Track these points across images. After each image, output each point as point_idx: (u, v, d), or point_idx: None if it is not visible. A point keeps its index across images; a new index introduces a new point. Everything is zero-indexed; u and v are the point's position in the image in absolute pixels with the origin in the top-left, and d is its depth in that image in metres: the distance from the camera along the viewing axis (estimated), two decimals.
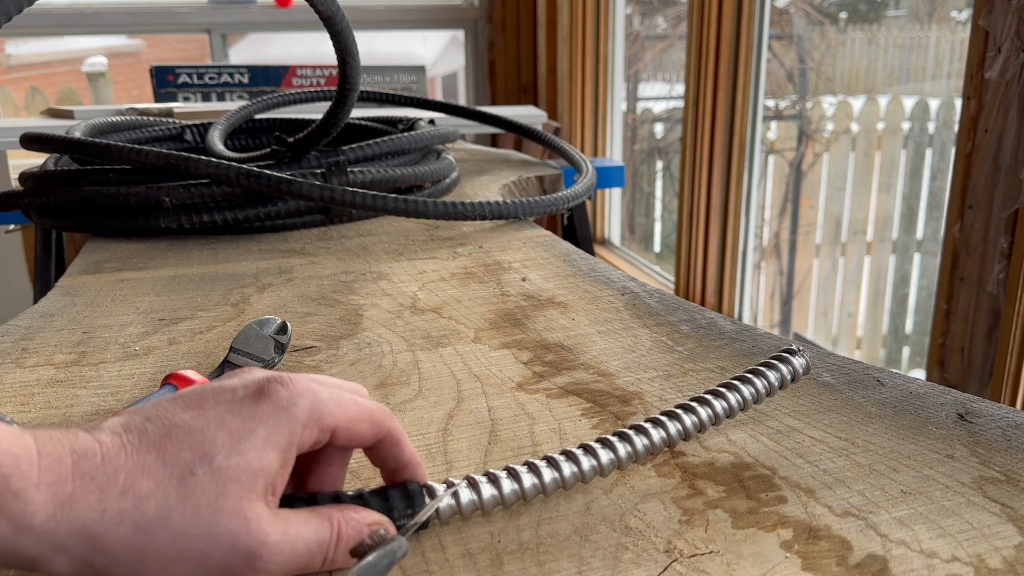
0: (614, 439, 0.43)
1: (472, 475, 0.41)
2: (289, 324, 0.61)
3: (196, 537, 0.33)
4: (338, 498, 0.38)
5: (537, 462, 0.42)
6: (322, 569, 0.36)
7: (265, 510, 0.34)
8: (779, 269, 2.99)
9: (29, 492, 0.31)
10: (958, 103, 1.41)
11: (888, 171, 2.78)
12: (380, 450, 0.39)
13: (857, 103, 2.82)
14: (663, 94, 3.49)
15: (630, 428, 0.44)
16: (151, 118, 1.36)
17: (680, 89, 3.00)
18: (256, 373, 0.38)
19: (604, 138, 2.77)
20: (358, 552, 0.35)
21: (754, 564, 0.37)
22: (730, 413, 0.47)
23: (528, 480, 0.41)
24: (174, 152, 0.94)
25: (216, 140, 1.17)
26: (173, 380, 0.54)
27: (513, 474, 0.41)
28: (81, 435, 0.34)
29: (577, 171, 1.20)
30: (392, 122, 1.31)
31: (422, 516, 0.38)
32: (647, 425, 0.45)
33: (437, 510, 0.39)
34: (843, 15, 3.06)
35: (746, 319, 2.08)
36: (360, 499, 0.39)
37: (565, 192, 1.03)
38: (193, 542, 0.33)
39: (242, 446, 0.34)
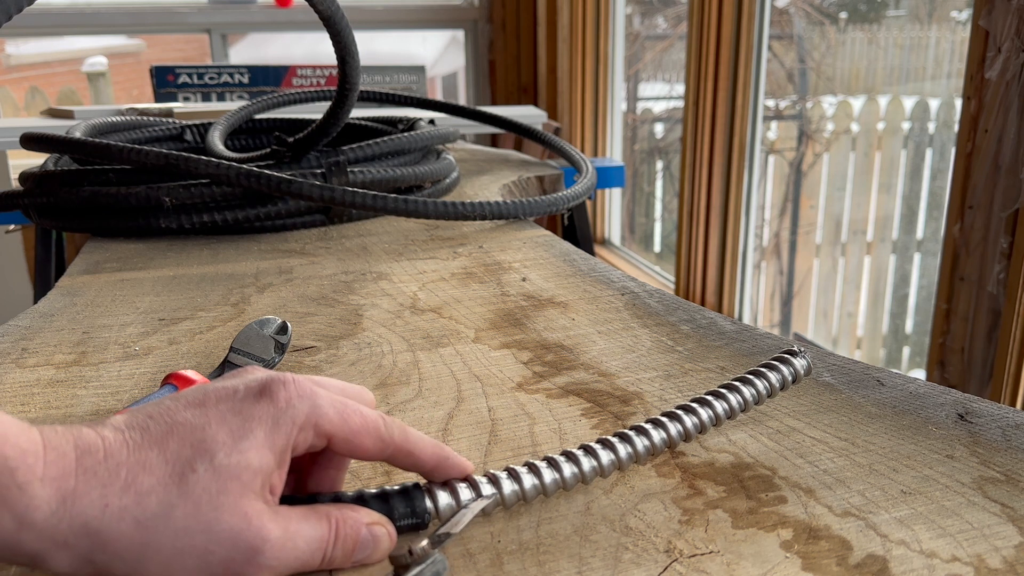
0: (614, 440, 0.43)
1: (472, 476, 0.41)
2: (289, 324, 0.61)
3: (197, 534, 0.33)
4: (338, 499, 0.39)
5: (537, 463, 0.42)
6: (320, 567, 0.36)
7: (265, 508, 0.34)
8: (779, 269, 2.99)
9: (34, 486, 0.31)
10: (958, 103, 1.41)
11: (888, 171, 2.78)
12: (396, 462, 0.39)
13: (857, 103, 2.82)
14: (663, 94, 3.49)
15: (630, 429, 0.44)
16: (151, 118, 1.36)
17: (680, 89, 3.00)
18: (258, 373, 0.38)
19: (604, 138, 2.77)
20: (400, 563, 0.35)
21: (754, 564, 0.37)
22: (731, 414, 0.47)
23: (528, 481, 0.41)
24: (174, 152, 0.94)
25: (216, 140, 1.17)
26: (173, 380, 0.54)
27: (513, 475, 0.41)
28: (84, 431, 0.34)
29: (577, 171, 1.20)
30: (392, 122, 1.31)
31: (457, 527, 0.37)
32: (647, 426, 0.45)
33: (438, 511, 0.39)
34: (843, 15, 3.06)
35: (746, 319, 2.08)
36: (360, 499, 0.39)
37: (565, 192, 1.03)
38: (194, 539, 0.33)
39: (242, 445, 0.34)
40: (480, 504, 0.39)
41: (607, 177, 1.54)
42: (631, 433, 0.44)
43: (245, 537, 0.33)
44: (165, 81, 2.09)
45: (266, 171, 0.91)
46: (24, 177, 1.04)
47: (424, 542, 0.35)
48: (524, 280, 0.81)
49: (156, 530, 0.33)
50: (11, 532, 0.31)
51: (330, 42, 0.92)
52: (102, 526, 0.32)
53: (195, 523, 0.33)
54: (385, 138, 1.09)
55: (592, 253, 1.14)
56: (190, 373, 0.54)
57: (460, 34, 3.21)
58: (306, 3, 0.87)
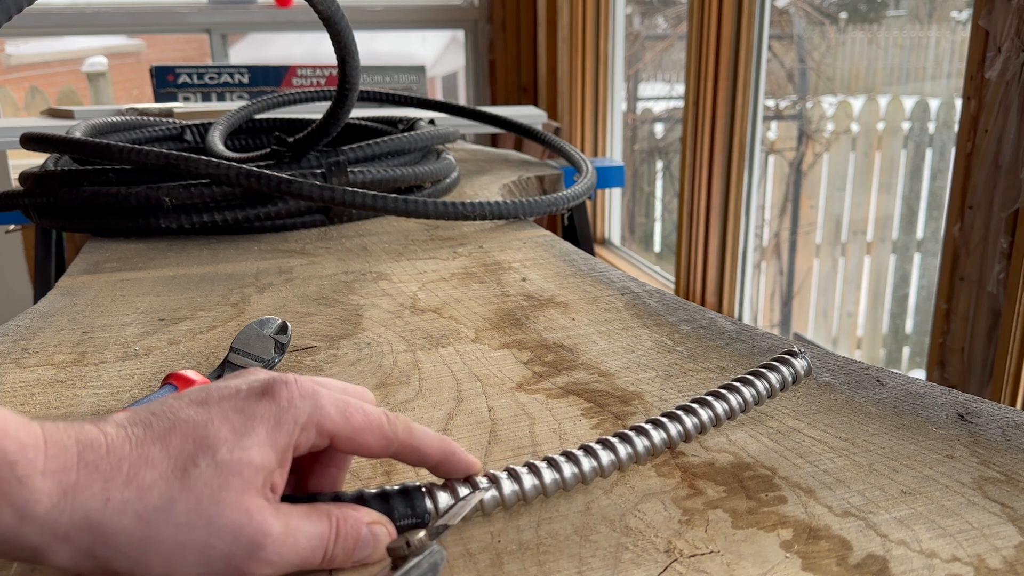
0: (614, 440, 0.43)
1: (472, 477, 0.41)
2: (289, 324, 0.61)
3: (199, 528, 0.33)
4: (338, 498, 0.39)
5: (537, 463, 0.42)
6: (321, 565, 0.36)
7: (266, 504, 0.35)
8: (779, 269, 2.99)
9: (34, 480, 0.31)
10: (958, 103, 1.41)
11: (888, 171, 2.78)
12: (402, 459, 0.39)
13: (857, 103, 2.82)
14: (663, 94, 3.49)
15: (630, 429, 0.44)
16: (151, 118, 1.36)
17: (680, 89, 3.00)
18: (260, 374, 0.38)
19: (604, 138, 2.77)
20: (397, 554, 0.35)
21: (754, 564, 0.37)
22: (731, 415, 0.47)
23: (528, 481, 0.41)
24: (174, 152, 0.94)
25: (216, 140, 1.17)
26: (173, 380, 0.54)
27: (513, 475, 0.41)
28: (87, 426, 0.34)
29: (577, 171, 1.20)
30: (392, 122, 1.31)
31: (455, 519, 0.37)
32: (647, 426, 0.45)
33: (437, 510, 0.39)
34: (843, 15, 3.06)
35: (746, 319, 2.08)
36: (360, 499, 0.39)
37: (565, 192, 1.03)
38: (196, 533, 0.33)
39: (244, 441, 0.35)
40: (478, 496, 0.39)
41: (607, 177, 1.54)
42: (631, 433, 0.44)
43: (247, 532, 0.33)
44: (165, 81, 2.09)
45: (266, 171, 0.91)
46: (24, 177, 1.04)
47: (421, 533, 0.35)
48: (524, 280, 0.81)
49: (157, 524, 0.33)
50: (12, 526, 0.31)
51: (330, 42, 0.92)
52: (103, 520, 0.32)
53: (197, 517, 0.33)
54: (385, 138, 1.09)
55: (592, 253, 1.14)
56: (190, 373, 0.54)
57: (460, 34, 3.21)
58: (306, 3, 0.87)
